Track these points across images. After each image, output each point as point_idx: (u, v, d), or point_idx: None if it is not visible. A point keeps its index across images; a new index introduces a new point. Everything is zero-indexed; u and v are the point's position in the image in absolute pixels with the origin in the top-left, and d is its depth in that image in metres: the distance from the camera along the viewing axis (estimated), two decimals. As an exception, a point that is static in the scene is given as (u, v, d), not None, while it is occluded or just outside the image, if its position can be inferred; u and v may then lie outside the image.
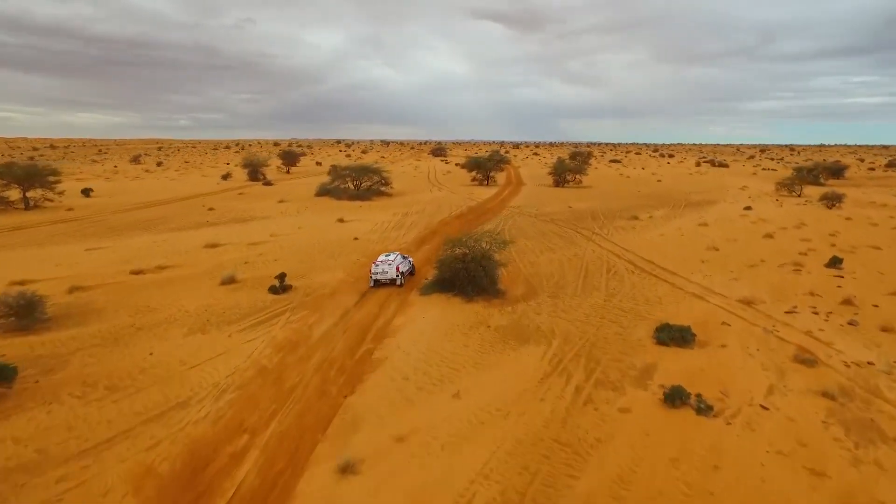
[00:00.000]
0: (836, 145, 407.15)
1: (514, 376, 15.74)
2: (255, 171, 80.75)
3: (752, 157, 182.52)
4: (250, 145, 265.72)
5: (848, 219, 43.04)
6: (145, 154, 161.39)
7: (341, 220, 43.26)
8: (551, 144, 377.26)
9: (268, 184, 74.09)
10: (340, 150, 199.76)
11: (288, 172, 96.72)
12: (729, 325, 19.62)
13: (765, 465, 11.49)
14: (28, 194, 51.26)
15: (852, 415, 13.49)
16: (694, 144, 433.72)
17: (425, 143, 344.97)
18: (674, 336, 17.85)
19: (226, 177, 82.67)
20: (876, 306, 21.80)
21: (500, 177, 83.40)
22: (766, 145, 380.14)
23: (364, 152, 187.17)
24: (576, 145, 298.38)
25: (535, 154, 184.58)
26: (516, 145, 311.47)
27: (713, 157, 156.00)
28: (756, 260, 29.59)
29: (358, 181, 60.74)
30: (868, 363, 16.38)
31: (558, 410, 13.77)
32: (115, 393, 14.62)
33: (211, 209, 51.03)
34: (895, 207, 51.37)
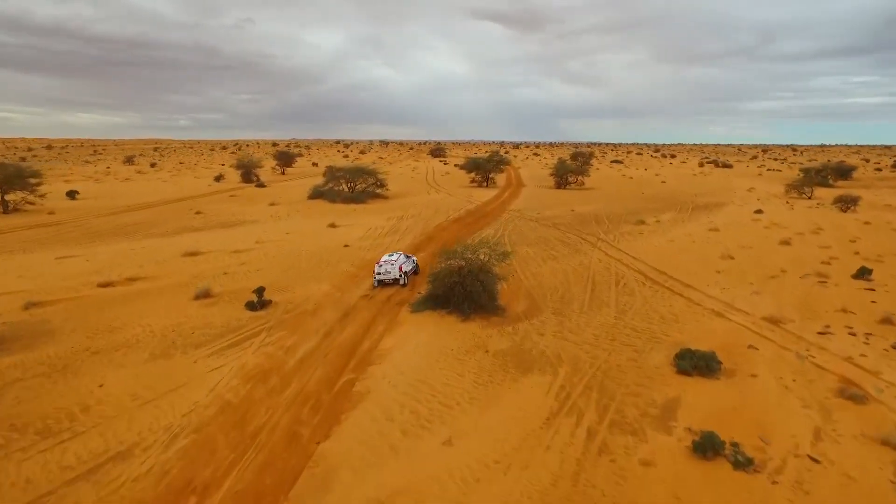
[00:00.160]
0: (836, 145, 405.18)
1: (516, 415, 13.58)
2: (248, 173, 78.64)
3: (754, 157, 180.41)
4: (248, 145, 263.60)
5: (867, 223, 40.87)
6: (140, 155, 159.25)
7: (332, 226, 41.09)
8: (551, 144, 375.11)
9: (261, 186, 71.94)
10: (338, 151, 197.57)
11: (283, 173, 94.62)
12: (756, 349, 17.45)
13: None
14: (7, 197, 49.05)
15: (918, 468, 11.33)
16: (695, 145, 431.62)
17: (425, 143, 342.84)
18: (697, 364, 15.68)
19: (218, 178, 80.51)
20: (917, 325, 19.66)
21: (500, 178, 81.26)
22: (768, 145, 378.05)
23: (362, 153, 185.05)
24: (576, 145, 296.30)
25: (536, 154, 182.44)
26: (516, 145, 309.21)
27: (716, 158, 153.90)
28: (775, 270, 27.42)
29: (352, 183, 58.57)
30: (923, 398, 14.23)
31: (568, 462, 11.61)
32: (46, 439, 12.45)
33: (198, 213, 48.89)
34: (912, 211, 49.23)
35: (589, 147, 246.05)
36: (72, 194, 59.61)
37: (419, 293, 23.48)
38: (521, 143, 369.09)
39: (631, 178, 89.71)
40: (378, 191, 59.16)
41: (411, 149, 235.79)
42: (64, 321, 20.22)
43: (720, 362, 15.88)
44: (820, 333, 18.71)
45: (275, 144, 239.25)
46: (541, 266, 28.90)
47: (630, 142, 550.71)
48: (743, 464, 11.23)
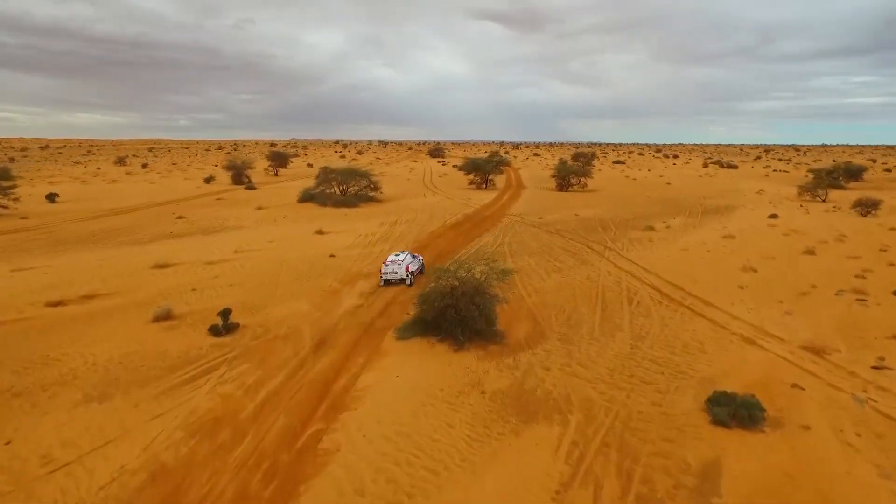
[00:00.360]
0: (838, 145, 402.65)
1: (518, 486, 10.88)
2: (239, 175, 75.95)
3: (758, 157, 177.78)
4: (245, 146, 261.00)
5: (894, 230, 38.14)
6: (133, 155, 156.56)
7: (320, 232, 38.36)
8: (551, 145, 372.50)
9: (251, 188, 69.23)
10: (336, 152, 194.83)
11: (276, 175, 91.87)
12: (803, 389, 14.74)
13: None
14: (-23, 201, 46.37)
15: None
16: (696, 145, 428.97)
17: (424, 143, 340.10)
18: (736, 412, 12.98)
19: (209, 180, 77.79)
20: (981, 356, 16.95)
21: (500, 179, 78.50)
22: (769, 145, 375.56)
23: (360, 153, 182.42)
24: (576, 145, 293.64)
25: (536, 155, 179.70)
26: (516, 146, 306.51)
27: (719, 158, 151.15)
28: (805, 285, 24.70)
29: (344, 186, 55.84)
30: None
31: (587, 563, 8.90)
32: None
33: (181, 218, 46.20)
34: (935, 215, 46.45)
35: (590, 147, 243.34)
36: (51, 197, 56.98)
37: (408, 313, 20.79)
38: (520, 144, 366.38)
39: (635, 179, 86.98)
40: (372, 194, 56.46)
41: (410, 149, 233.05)
42: (-5, 351, 17.51)
43: (763, 409, 13.17)
44: (875, 368, 15.99)
45: (273, 145, 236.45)
46: (544, 280, 26.18)
47: (630, 142, 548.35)
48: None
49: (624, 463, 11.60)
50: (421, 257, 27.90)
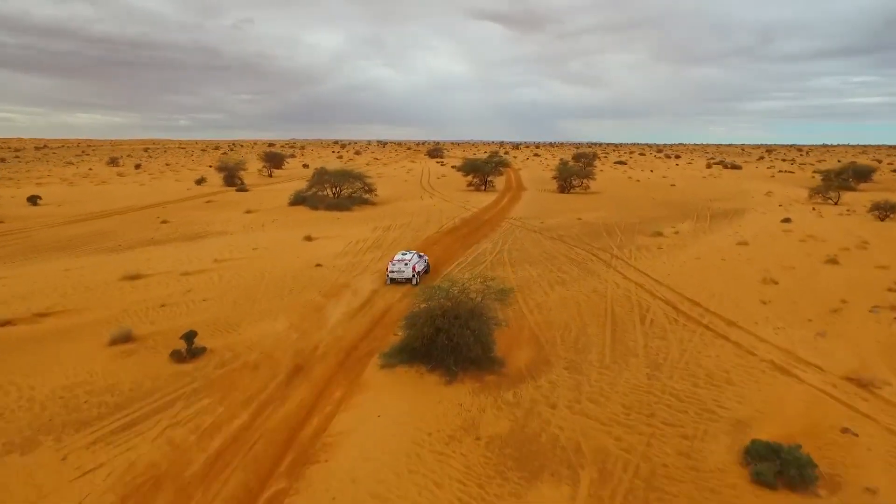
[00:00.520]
0: (839, 145, 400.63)
1: (520, 576, 8.65)
2: (231, 176, 73.72)
3: (761, 157, 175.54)
4: (242, 146, 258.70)
5: (917, 236, 35.92)
6: (127, 156, 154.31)
7: (308, 238, 36.13)
8: (552, 145, 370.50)
9: (242, 190, 67.01)
10: (333, 152, 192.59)
11: (270, 176, 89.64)
12: (856, 436, 12.52)
13: None
14: (-50, 205, 44.08)
15: None
16: (696, 145, 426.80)
17: (423, 143, 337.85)
18: (783, 469, 10.76)
19: (200, 181, 75.57)
20: None
21: (500, 181, 76.21)
22: (771, 145, 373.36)
23: (357, 153, 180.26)
24: (577, 146, 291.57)
25: (536, 155, 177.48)
26: (516, 146, 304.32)
27: (722, 159, 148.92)
28: (834, 300, 22.48)
29: (337, 188, 53.60)
30: None
31: None
32: None
33: (164, 222, 43.96)
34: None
35: (590, 147, 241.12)
36: (33, 200, 54.73)
37: (396, 333, 18.56)
38: (520, 144, 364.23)
39: (638, 180, 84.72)
40: (366, 196, 54.21)
41: (409, 149, 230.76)
42: (-80, 383, 15.28)
43: (815, 465, 10.96)
44: (935, 407, 13.77)
45: (271, 145, 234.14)
46: (547, 294, 23.96)
47: (631, 142, 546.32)
48: None
49: (651, 541, 9.39)
50: (426, 257, 27.99)
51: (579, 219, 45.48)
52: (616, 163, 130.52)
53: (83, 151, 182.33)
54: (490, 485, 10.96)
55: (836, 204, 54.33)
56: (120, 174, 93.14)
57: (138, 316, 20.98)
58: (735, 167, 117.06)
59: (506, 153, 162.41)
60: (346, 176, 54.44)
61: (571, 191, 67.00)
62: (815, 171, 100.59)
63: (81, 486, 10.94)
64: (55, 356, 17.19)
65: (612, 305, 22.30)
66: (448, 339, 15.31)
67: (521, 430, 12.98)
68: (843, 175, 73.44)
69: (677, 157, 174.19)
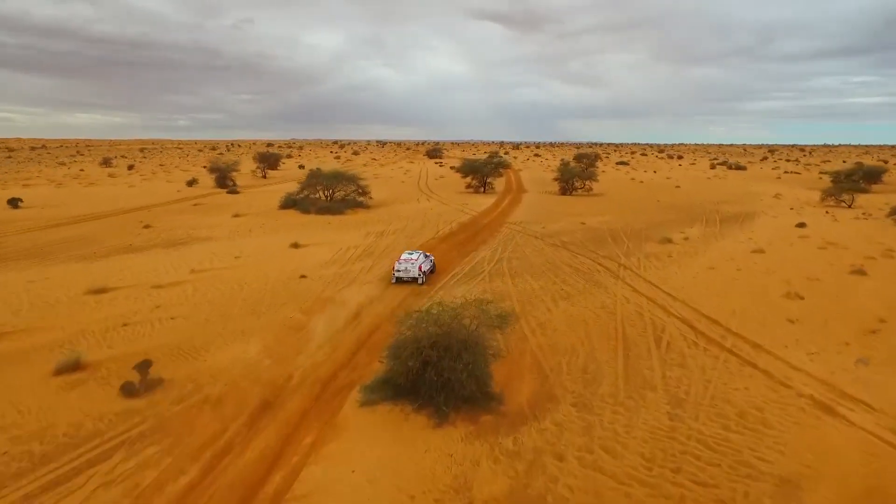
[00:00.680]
0: (840, 145, 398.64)
1: None
2: (223, 177, 71.58)
3: (764, 158, 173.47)
4: (240, 146, 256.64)
5: (945, 243, 33.73)
6: (122, 156, 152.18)
7: (295, 245, 33.95)
8: (552, 145, 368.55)
9: (233, 192, 64.84)
10: (331, 152, 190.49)
11: (264, 177, 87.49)
12: (930, 503, 10.34)
13: None
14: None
15: None
16: (697, 145, 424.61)
17: (423, 143, 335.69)
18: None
19: (191, 183, 73.44)
20: None
21: (499, 182, 73.97)
22: (772, 145, 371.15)
23: (355, 154, 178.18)
24: (577, 146, 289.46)
25: (536, 156, 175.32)
26: (516, 146, 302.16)
27: (726, 159, 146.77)
28: (870, 319, 20.30)
29: (330, 191, 51.42)
30: None
31: None
32: None
33: (147, 227, 41.80)
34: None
35: (591, 147, 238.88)
36: (14, 202, 52.54)
37: (381, 361, 16.35)
38: (521, 144, 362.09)
39: (641, 182, 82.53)
40: (360, 199, 52.00)
41: (408, 149, 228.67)
42: None
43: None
44: None
45: (269, 145, 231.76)
46: (551, 310, 21.79)
47: (631, 142, 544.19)
48: None
49: None
50: (432, 257, 28.32)
51: (583, 223, 43.31)
52: (618, 163, 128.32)
53: (78, 152, 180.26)
54: (484, 573, 8.80)
55: (850, 207, 52.16)
56: (111, 175, 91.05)
57: (95, 337, 18.82)
58: (739, 168, 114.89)
59: (506, 153, 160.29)
60: (338, 178, 52.28)
61: (574, 193, 64.83)
62: (821, 172, 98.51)
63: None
64: (-10, 389, 15.02)
65: (623, 325, 20.13)
66: (437, 374, 13.14)
67: (522, 490, 10.81)
68: (854, 176, 71.23)
69: (680, 157, 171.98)
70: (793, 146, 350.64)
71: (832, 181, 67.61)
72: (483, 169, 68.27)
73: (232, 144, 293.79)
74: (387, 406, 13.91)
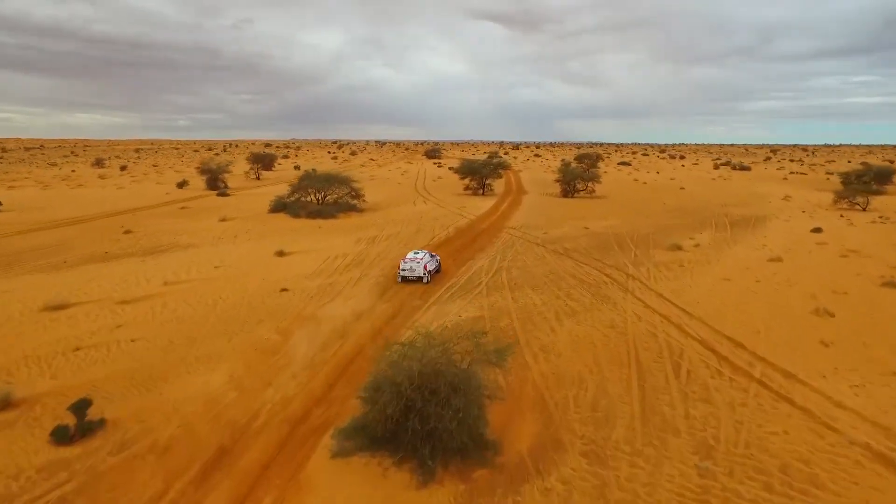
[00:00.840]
0: (841, 145, 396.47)
1: None
2: (214, 179, 69.41)
3: (767, 158, 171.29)
4: (237, 146, 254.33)
5: (975, 251, 31.53)
6: (116, 157, 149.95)
7: (280, 254, 31.76)
8: (552, 145, 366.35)
9: (223, 194, 62.64)
10: (329, 152, 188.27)
11: (258, 178, 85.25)
12: None
13: None
14: None
15: None
16: (698, 145, 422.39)
17: (422, 143, 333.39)
18: None
19: (181, 185, 71.18)
20: None
21: (499, 183, 71.75)
22: (773, 145, 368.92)
23: (353, 154, 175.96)
24: (577, 146, 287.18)
25: (537, 156, 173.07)
26: (516, 146, 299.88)
27: (729, 160, 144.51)
28: (912, 341, 18.11)
29: (322, 194, 49.22)
30: None
31: None
32: None
33: (127, 232, 39.62)
34: None
35: (591, 147, 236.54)
36: (-7, 206, 50.35)
37: (361, 396, 14.14)
38: (521, 144, 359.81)
39: (645, 183, 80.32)
40: (353, 202, 49.80)
41: (407, 149, 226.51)
42: None
43: None
44: None
45: (268, 145, 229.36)
46: (555, 330, 19.60)
47: (631, 142, 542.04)
48: None
49: None
50: (438, 257, 28.33)
51: (586, 228, 41.13)
52: (620, 164, 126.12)
53: (72, 152, 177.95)
54: None
55: (864, 210, 49.95)
56: (101, 176, 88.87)
57: (39, 365, 16.64)
58: (743, 168, 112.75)
59: (505, 154, 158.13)
60: (331, 180, 50.06)
61: (576, 195, 62.64)
62: (828, 173, 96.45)
63: None
64: None
65: (636, 348, 17.95)
66: (422, 422, 10.94)
67: (524, 582, 8.62)
68: (865, 177, 68.97)
69: (682, 157, 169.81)
70: (794, 146, 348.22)
71: (843, 182, 65.40)
72: (482, 170, 66.05)
73: (230, 144, 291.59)
74: (363, 458, 11.73)
